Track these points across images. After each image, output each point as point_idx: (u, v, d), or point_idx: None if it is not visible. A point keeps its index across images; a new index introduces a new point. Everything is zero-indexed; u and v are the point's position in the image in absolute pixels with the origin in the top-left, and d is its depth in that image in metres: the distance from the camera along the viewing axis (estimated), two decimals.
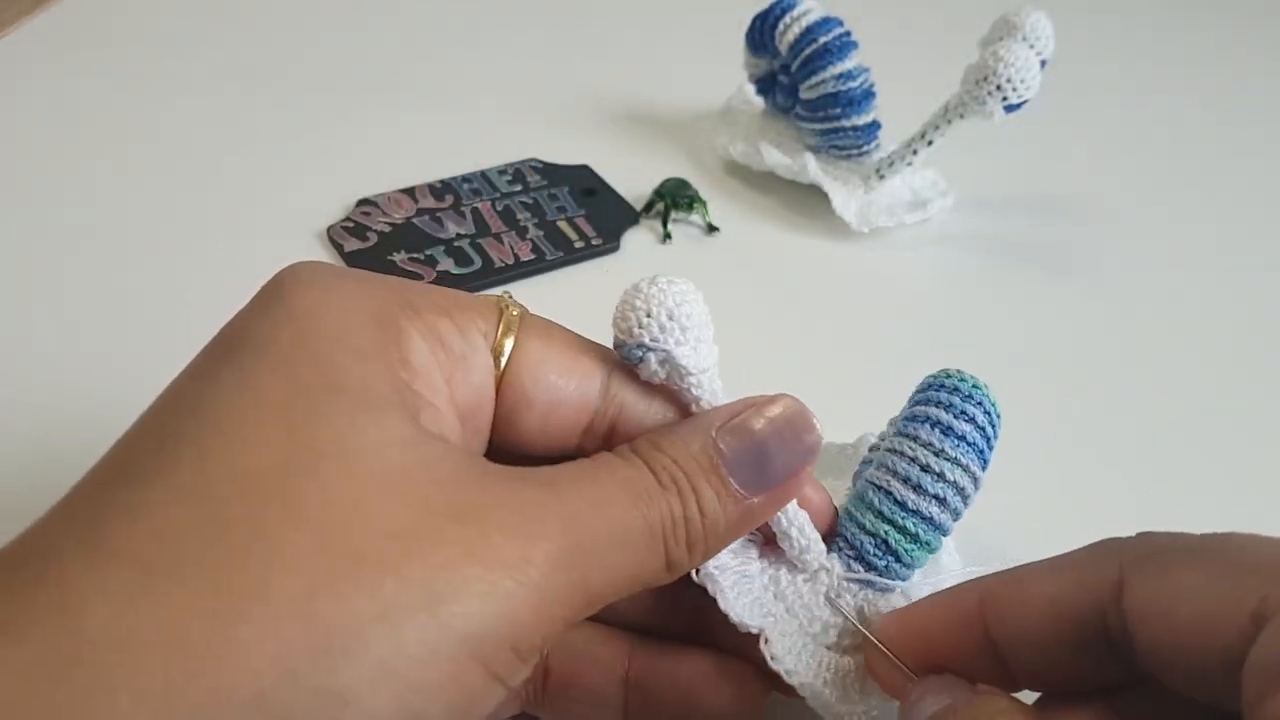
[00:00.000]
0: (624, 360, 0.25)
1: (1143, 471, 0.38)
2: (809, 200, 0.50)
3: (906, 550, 0.26)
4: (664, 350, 0.24)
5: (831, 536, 0.27)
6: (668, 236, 0.49)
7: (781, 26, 0.48)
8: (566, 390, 0.24)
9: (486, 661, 0.19)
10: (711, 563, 0.25)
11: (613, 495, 0.22)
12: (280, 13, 0.68)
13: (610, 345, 0.26)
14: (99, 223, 0.48)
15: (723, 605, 0.25)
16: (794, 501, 0.25)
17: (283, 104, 0.58)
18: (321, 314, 0.21)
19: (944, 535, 0.27)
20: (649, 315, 0.24)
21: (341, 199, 0.49)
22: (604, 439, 0.25)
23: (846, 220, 0.48)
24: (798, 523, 0.26)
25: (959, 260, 0.49)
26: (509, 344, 0.24)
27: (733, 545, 0.26)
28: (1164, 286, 0.48)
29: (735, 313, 0.45)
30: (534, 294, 0.44)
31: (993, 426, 0.27)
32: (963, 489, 0.27)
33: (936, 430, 0.27)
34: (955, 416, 0.27)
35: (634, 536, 0.22)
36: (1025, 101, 0.45)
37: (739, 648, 0.26)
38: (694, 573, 0.25)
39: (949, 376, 0.28)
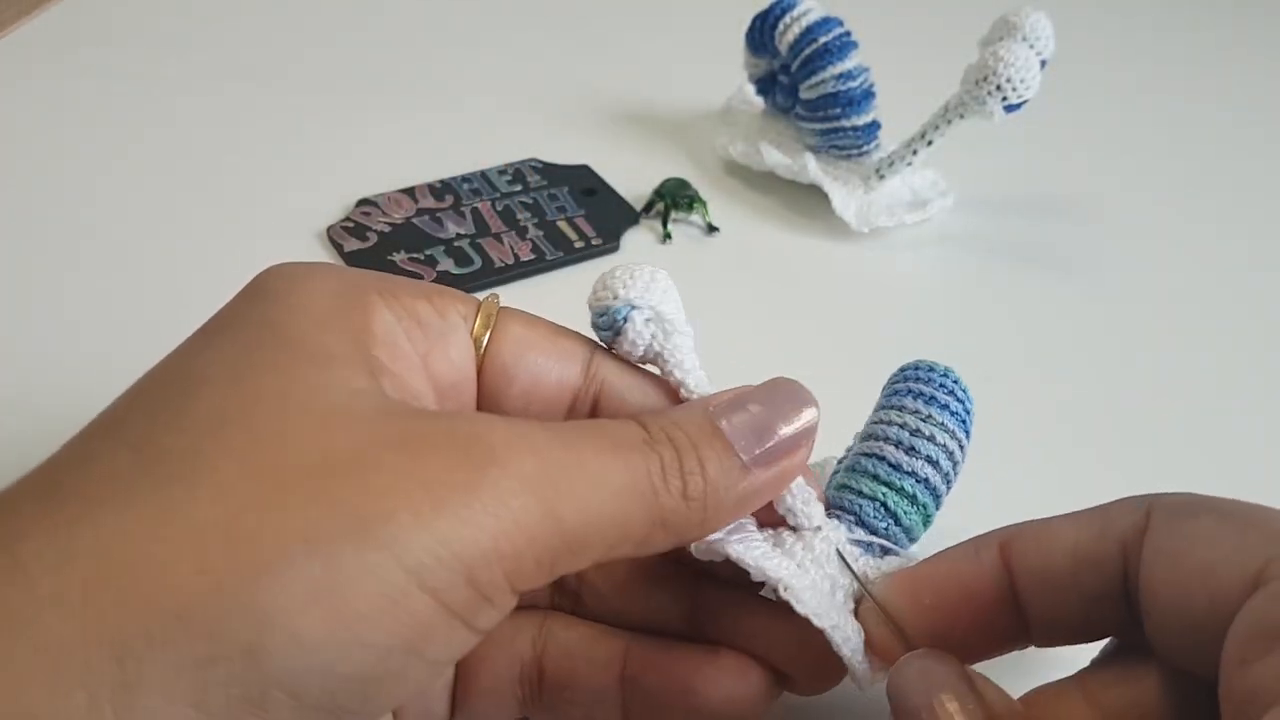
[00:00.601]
0: (604, 333, 0.25)
1: (1143, 471, 0.38)
2: (809, 200, 0.50)
3: (905, 513, 0.26)
4: (650, 306, 0.25)
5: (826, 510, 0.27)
6: (668, 236, 0.49)
7: (781, 26, 0.48)
8: (547, 368, 0.25)
9: (436, 593, 0.19)
10: (710, 535, 0.24)
11: (586, 438, 0.21)
12: (280, 13, 0.68)
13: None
14: (99, 223, 0.48)
15: (735, 556, 0.23)
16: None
17: (283, 104, 0.58)
18: (289, 293, 0.22)
19: (937, 502, 0.27)
20: (631, 278, 0.25)
21: (341, 199, 0.49)
22: (588, 418, 0.25)
23: (846, 220, 0.48)
24: (800, 494, 0.25)
25: (959, 260, 0.49)
26: (488, 330, 0.24)
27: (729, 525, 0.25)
28: (1164, 286, 0.48)
29: (735, 313, 0.46)
30: (534, 294, 0.44)
31: (969, 404, 0.28)
32: (951, 453, 0.27)
33: (920, 400, 0.27)
34: (936, 389, 0.28)
35: (613, 479, 0.21)
36: (1025, 101, 0.45)
37: (740, 643, 0.25)
38: (691, 545, 0.24)
39: (921, 362, 0.29)
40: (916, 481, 0.27)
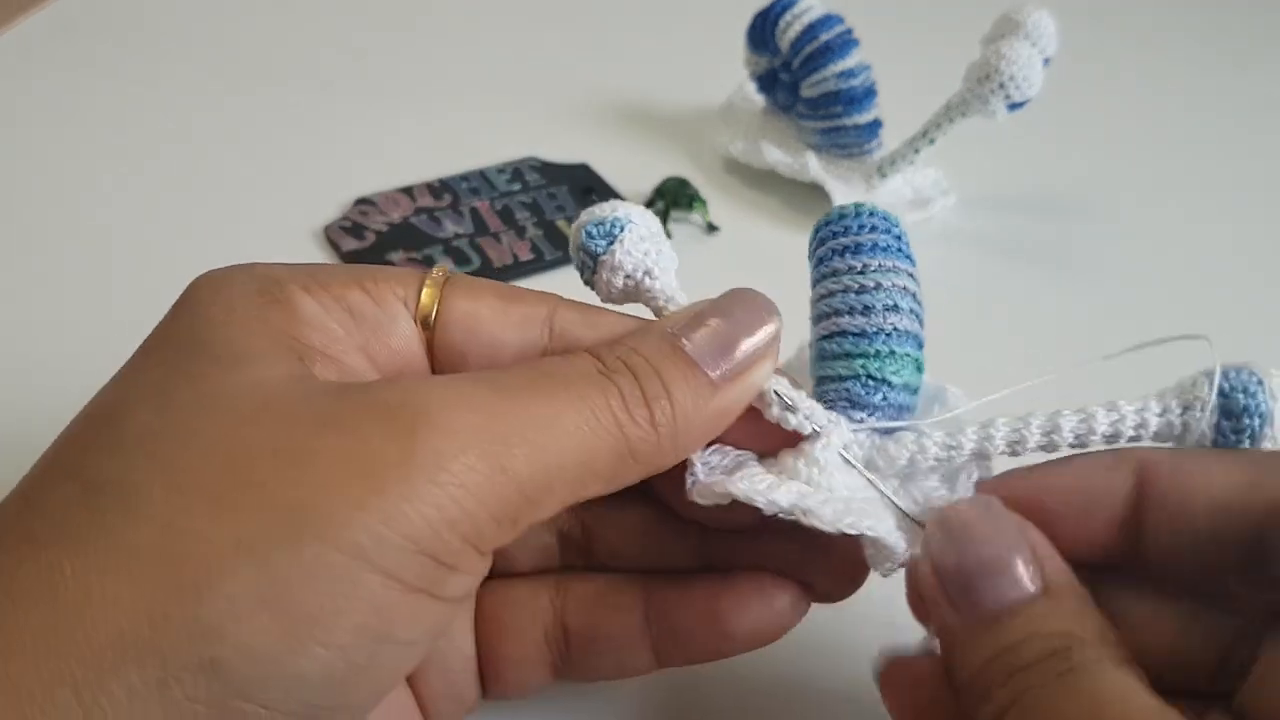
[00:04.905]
0: (597, 243, 0.24)
1: None
2: (810, 199, 0.50)
3: (894, 372, 0.25)
4: (646, 225, 0.25)
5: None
6: (667, 235, 0.48)
7: (783, 24, 0.48)
8: (502, 339, 0.24)
9: (389, 573, 0.18)
10: (708, 478, 0.23)
11: (530, 381, 0.21)
12: (279, 12, 0.67)
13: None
14: (97, 221, 0.47)
15: (740, 493, 0.22)
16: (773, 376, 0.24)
17: (280, 102, 0.57)
18: (210, 301, 0.22)
19: (919, 341, 0.25)
20: (627, 204, 0.25)
21: (339, 198, 0.49)
22: None
23: None
24: (788, 396, 0.24)
25: (961, 259, 0.49)
26: (435, 306, 0.23)
27: (727, 465, 0.24)
28: (1167, 285, 0.48)
29: None
30: None
31: (896, 227, 0.26)
32: (904, 288, 0.25)
33: (846, 254, 0.25)
34: (857, 235, 0.25)
35: (566, 420, 0.20)
36: (1028, 100, 0.45)
37: (759, 564, 0.25)
38: (693, 494, 0.23)
39: (829, 214, 0.27)
40: (887, 336, 0.25)
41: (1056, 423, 0.24)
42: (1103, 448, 0.24)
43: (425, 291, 0.23)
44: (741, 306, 0.23)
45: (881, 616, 0.27)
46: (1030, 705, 0.19)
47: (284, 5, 0.68)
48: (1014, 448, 0.24)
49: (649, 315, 0.25)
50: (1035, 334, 0.45)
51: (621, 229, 0.24)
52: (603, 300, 0.25)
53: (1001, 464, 0.25)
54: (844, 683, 0.29)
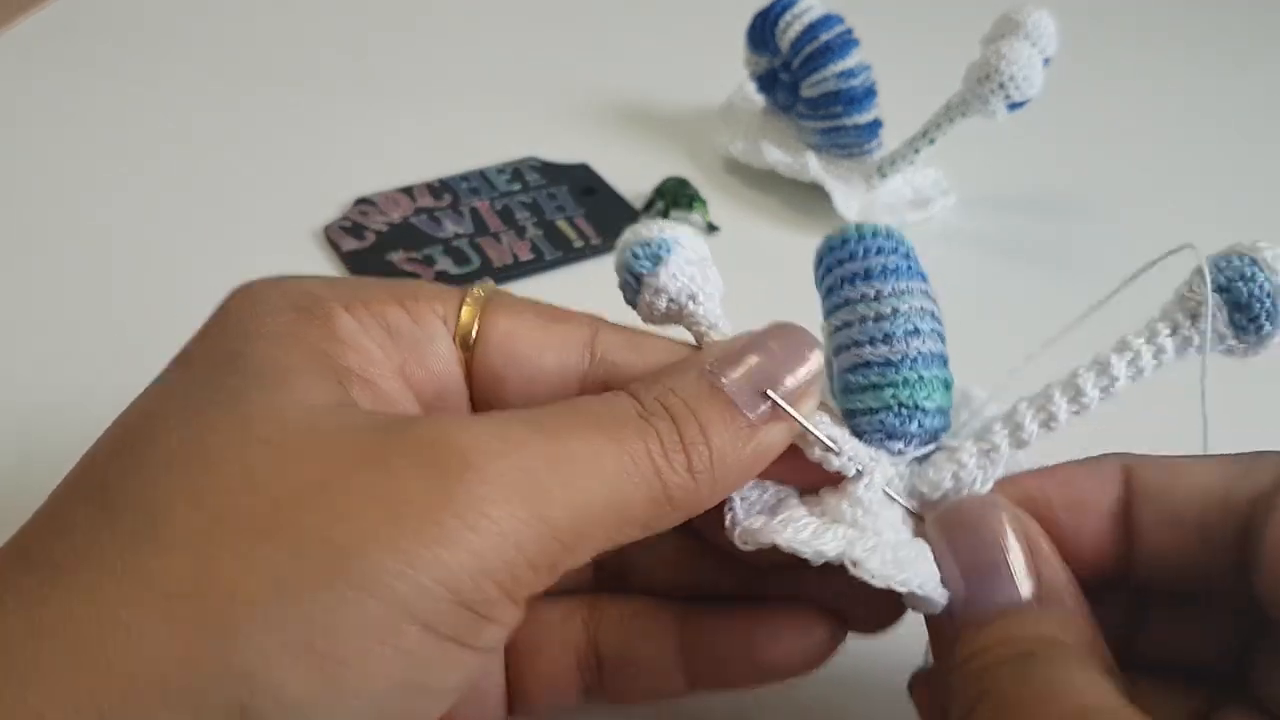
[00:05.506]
0: (642, 264, 0.24)
1: None
2: (810, 199, 0.50)
3: (926, 397, 0.24)
4: (694, 249, 0.24)
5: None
6: None
7: (783, 24, 0.48)
8: (541, 362, 0.23)
9: (426, 624, 0.17)
10: (750, 521, 0.23)
11: (571, 424, 0.20)
12: (279, 12, 0.67)
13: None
14: (96, 221, 0.47)
15: (785, 544, 0.22)
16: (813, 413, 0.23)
17: (281, 103, 0.57)
18: (249, 315, 0.21)
19: (945, 361, 0.25)
20: (676, 226, 0.24)
21: (339, 198, 0.49)
22: None
23: (848, 219, 0.48)
24: (825, 431, 0.23)
25: (961, 259, 0.49)
26: (475, 325, 0.23)
27: (768, 501, 0.24)
28: (1167, 285, 0.48)
29: (735, 313, 0.45)
30: (533, 294, 0.43)
31: (903, 245, 0.25)
32: (922, 308, 0.25)
33: (857, 282, 0.25)
34: (862, 259, 0.25)
35: (607, 465, 0.20)
36: (1028, 100, 0.45)
37: (796, 593, 0.24)
38: (735, 537, 0.23)
39: (831, 240, 0.26)
40: (913, 362, 0.24)
41: (1078, 385, 0.24)
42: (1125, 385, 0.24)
43: (465, 310, 0.23)
44: (781, 343, 0.23)
45: (918, 634, 0.27)
46: (992, 703, 0.19)
47: (284, 5, 0.68)
48: (1048, 425, 0.24)
49: (690, 338, 0.25)
50: (1035, 334, 0.44)
51: (668, 250, 0.24)
52: (644, 321, 0.25)
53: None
54: (876, 699, 0.29)
